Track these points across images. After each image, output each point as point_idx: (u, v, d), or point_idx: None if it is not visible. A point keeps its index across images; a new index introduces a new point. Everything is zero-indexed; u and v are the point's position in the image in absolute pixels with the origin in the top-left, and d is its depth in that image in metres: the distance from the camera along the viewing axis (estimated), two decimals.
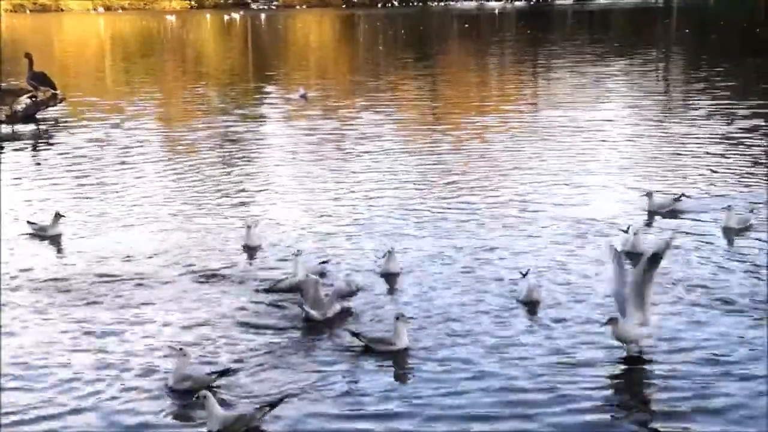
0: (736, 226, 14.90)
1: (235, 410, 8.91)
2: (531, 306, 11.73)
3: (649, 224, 15.52)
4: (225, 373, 9.73)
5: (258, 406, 8.91)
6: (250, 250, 14.22)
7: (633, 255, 13.62)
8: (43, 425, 8.97)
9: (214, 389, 9.43)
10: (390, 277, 12.85)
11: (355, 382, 9.76)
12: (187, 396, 9.28)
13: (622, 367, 10.01)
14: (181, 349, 9.78)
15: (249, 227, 14.39)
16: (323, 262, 13.29)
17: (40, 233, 15.02)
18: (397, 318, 10.35)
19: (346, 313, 11.59)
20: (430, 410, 9.14)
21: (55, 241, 14.94)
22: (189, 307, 11.97)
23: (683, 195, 16.48)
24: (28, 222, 15.37)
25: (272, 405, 8.88)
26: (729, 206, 15.18)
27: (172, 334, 11.12)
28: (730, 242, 14.49)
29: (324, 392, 9.51)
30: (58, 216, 14.95)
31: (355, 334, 10.58)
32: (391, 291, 12.49)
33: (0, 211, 16.78)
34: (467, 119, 27.52)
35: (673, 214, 15.96)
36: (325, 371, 9.99)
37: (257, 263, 13.83)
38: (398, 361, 10.19)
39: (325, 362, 10.24)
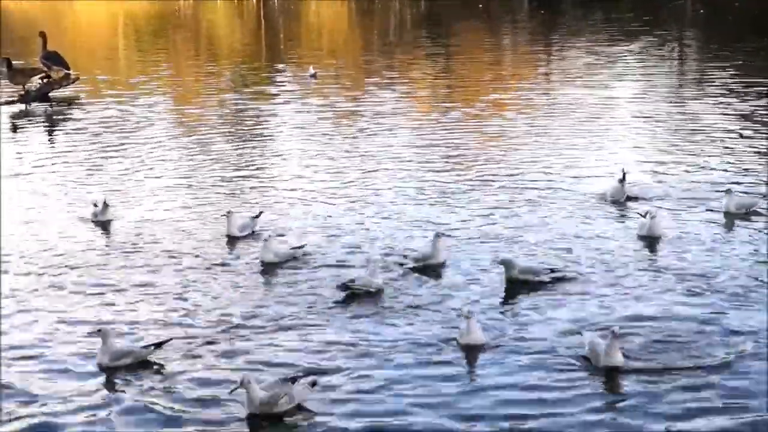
0: (736, 210, 14.57)
1: (277, 387, 8.75)
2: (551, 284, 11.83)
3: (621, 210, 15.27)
4: (160, 345, 9.78)
5: (302, 384, 8.79)
6: (231, 239, 13.92)
7: (650, 239, 13.53)
8: (43, 413, 8.90)
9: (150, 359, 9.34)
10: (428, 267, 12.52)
11: (382, 365, 9.67)
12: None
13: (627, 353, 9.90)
14: (100, 329, 9.75)
15: (227, 214, 14.11)
16: (296, 247, 13.09)
17: (90, 217, 15.17)
18: (467, 316, 10.12)
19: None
20: (454, 392, 9.17)
21: (101, 225, 14.96)
22: (196, 292, 11.92)
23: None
24: (94, 204, 15.39)
25: (313, 383, 8.84)
26: (729, 190, 14.83)
27: (185, 317, 11.16)
28: (730, 227, 14.22)
29: (347, 377, 9.40)
30: (105, 205, 15.11)
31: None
32: (419, 279, 12.27)
33: (0, 189, 16.85)
34: (481, 97, 27.35)
35: (630, 199, 15.55)
36: (348, 355, 9.90)
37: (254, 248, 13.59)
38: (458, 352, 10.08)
39: (349, 347, 10.13)
